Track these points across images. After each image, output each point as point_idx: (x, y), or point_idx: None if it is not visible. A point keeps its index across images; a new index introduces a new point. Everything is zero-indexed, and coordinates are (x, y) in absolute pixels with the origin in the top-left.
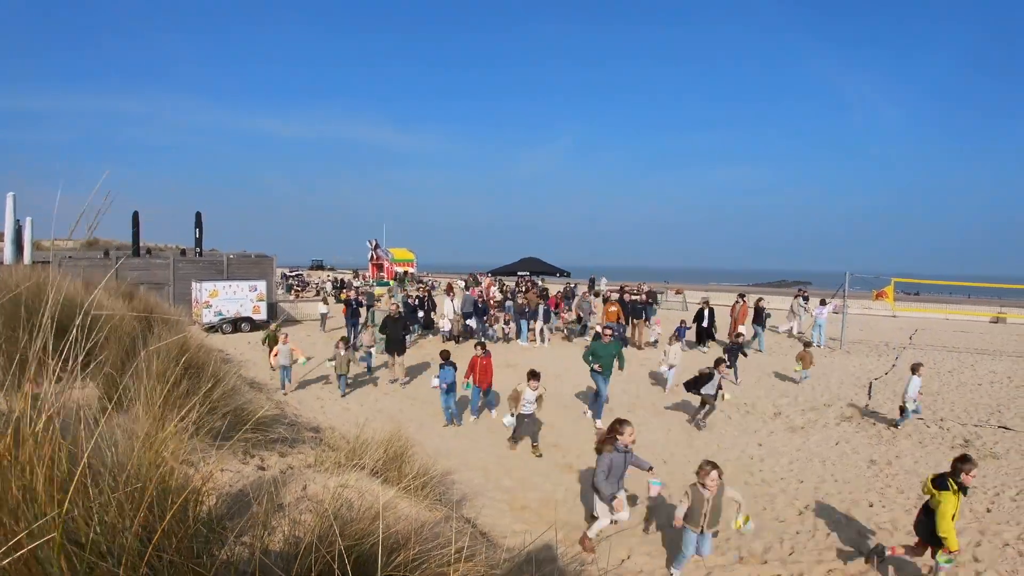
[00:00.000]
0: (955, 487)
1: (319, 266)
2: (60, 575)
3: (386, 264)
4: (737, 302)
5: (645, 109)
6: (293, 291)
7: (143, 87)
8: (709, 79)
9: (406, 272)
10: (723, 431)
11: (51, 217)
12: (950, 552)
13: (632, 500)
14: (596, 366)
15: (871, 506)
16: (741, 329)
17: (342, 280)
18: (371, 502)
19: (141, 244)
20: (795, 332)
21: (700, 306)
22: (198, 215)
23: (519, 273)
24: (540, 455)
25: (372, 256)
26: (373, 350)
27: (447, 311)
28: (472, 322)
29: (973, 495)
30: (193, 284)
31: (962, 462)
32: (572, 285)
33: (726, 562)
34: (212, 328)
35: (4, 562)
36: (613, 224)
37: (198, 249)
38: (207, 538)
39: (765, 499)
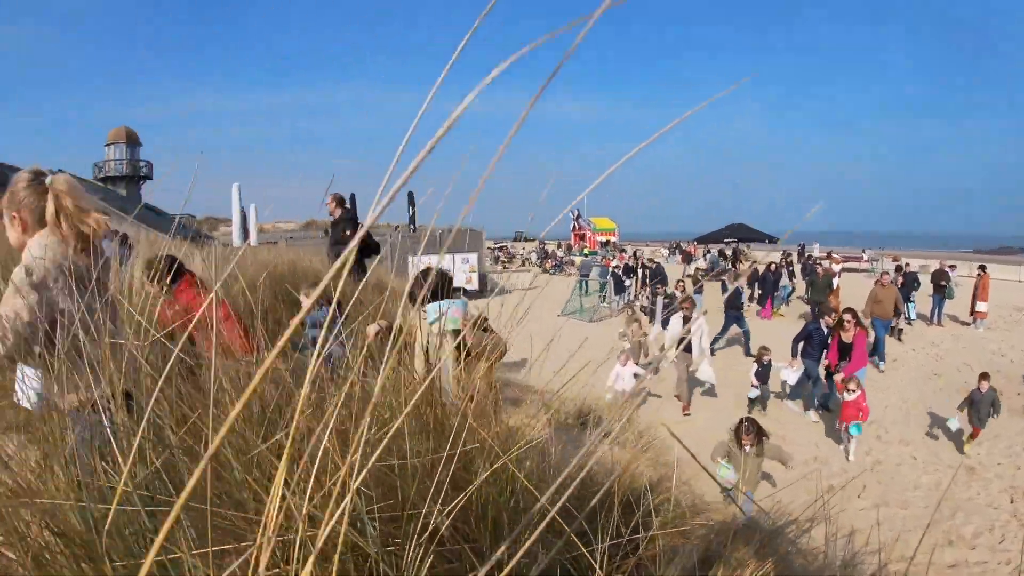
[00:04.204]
0: None
1: (522, 237)
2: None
3: (588, 234)
4: (978, 274)
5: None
6: (500, 263)
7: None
8: None
9: (607, 241)
10: None
11: (269, 202)
12: None
13: None
14: None
15: None
16: (981, 307)
17: (545, 250)
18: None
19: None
20: None
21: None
22: (410, 195)
23: (726, 240)
24: None
25: (574, 226)
26: None
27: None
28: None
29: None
30: (409, 258)
31: None
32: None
33: None
34: None
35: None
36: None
37: (412, 225)
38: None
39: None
